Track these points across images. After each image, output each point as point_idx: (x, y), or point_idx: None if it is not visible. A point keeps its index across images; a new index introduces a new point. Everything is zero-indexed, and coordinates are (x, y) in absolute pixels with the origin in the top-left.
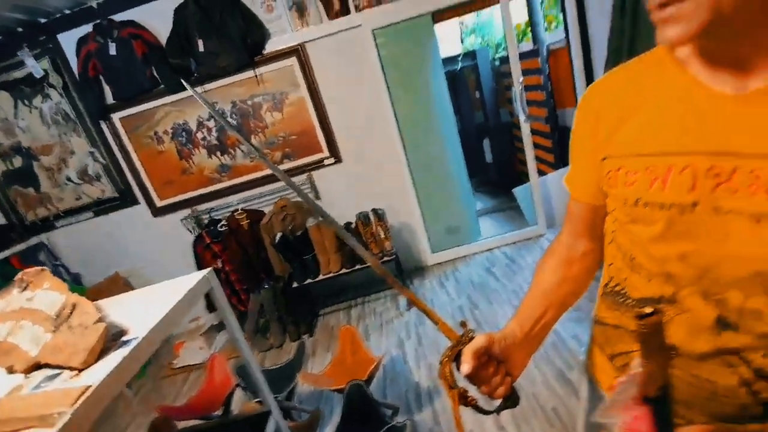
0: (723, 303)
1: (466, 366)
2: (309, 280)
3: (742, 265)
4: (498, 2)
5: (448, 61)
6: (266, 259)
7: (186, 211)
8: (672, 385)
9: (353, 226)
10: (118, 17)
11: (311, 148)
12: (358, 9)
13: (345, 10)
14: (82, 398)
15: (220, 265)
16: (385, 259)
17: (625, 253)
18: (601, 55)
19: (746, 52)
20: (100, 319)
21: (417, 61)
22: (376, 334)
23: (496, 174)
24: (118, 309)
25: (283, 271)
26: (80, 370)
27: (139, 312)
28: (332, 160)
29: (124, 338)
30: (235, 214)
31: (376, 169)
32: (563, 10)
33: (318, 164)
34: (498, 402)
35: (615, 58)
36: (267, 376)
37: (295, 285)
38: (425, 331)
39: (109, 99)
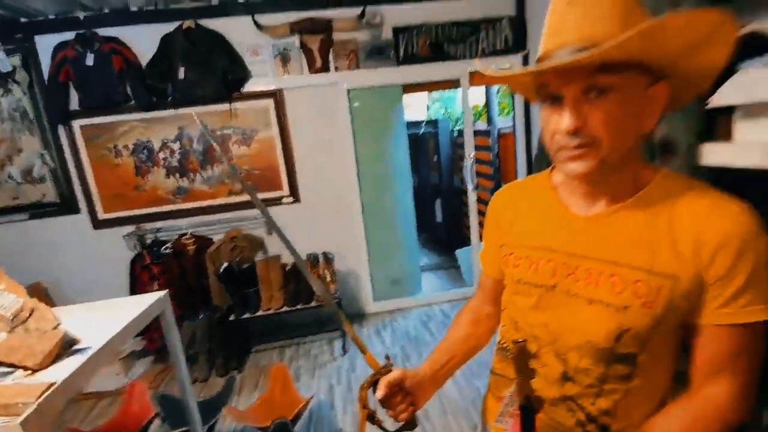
0: (566, 361)
1: (380, 392)
2: (248, 315)
3: (579, 334)
4: (460, 86)
5: (413, 125)
6: (206, 287)
7: (130, 228)
8: (534, 395)
9: None
10: (103, 32)
11: (272, 184)
12: (337, 69)
13: (325, 68)
14: (47, 393)
15: (156, 287)
16: None
17: (512, 318)
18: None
19: (595, 187)
20: (58, 326)
21: (384, 121)
22: (307, 376)
23: (444, 234)
24: (71, 318)
25: (222, 303)
26: (34, 371)
27: (91, 324)
28: (291, 199)
29: (77, 347)
30: (183, 238)
31: (332, 214)
32: (514, 100)
33: (276, 201)
34: (400, 424)
35: (538, 162)
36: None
37: (232, 318)
38: (356, 377)
39: (74, 106)
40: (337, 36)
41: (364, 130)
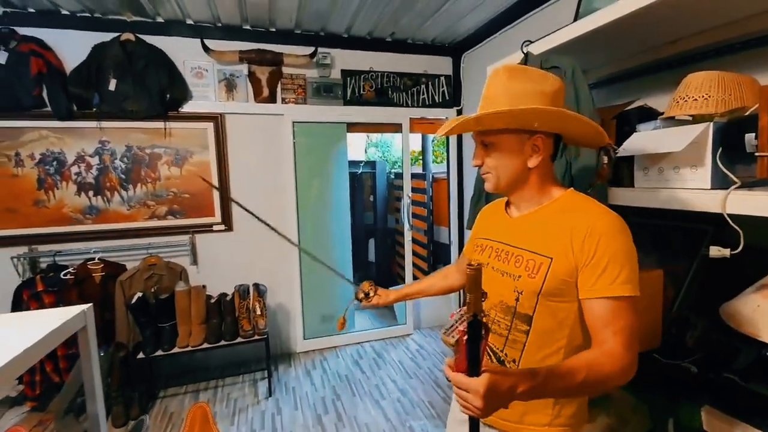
0: (489, 315)
1: (370, 292)
2: (160, 352)
3: (497, 296)
4: (401, 130)
5: (352, 164)
6: (110, 321)
7: (23, 249)
8: (482, 312)
9: (229, 297)
10: (26, 31)
11: (203, 210)
12: (284, 101)
13: (272, 99)
14: None
15: None
16: (256, 338)
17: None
18: (470, 191)
19: (515, 200)
20: None
21: (327, 157)
22: (225, 422)
23: (376, 272)
24: None
25: (129, 339)
26: None
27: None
28: (222, 227)
29: None
30: (89, 263)
31: (266, 246)
32: (448, 150)
33: (206, 228)
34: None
35: (477, 199)
36: None
37: (140, 356)
38: (283, 421)
39: None
40: (287, 70)
41: (307, 164)
